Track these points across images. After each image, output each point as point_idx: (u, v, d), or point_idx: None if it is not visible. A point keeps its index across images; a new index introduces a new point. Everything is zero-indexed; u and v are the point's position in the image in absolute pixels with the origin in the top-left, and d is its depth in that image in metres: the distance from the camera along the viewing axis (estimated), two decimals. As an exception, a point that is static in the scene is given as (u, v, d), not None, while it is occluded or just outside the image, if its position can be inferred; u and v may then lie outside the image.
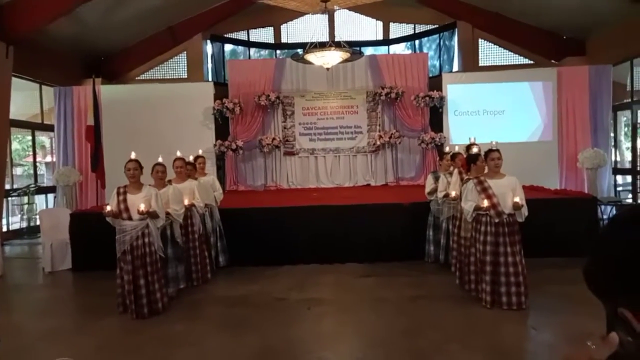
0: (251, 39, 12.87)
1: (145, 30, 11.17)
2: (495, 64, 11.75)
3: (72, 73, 10.89)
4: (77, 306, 5.38)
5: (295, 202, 7.43)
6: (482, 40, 11.80)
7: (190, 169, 5.81)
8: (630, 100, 9.82)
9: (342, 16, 12.41)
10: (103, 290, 5.26)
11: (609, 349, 0.69)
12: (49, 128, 10.74)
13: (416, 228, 6.38)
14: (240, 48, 13.06)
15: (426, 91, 10.73)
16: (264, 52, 13.11)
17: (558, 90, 10.33)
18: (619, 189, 10.42)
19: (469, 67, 11.51)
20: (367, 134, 11.12)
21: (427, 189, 6.18)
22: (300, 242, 6.54)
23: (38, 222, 7.98)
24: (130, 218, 4.47)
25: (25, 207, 9.91)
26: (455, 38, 11.98)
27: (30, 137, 10.66)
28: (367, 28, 12.83)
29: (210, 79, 12.04)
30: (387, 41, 12.79)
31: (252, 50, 13.00)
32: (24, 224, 9.92)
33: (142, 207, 4.38)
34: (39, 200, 10.38)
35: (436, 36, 12.59)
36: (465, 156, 5.33)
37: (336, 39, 9.12)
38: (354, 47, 9.57)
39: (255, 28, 12.73)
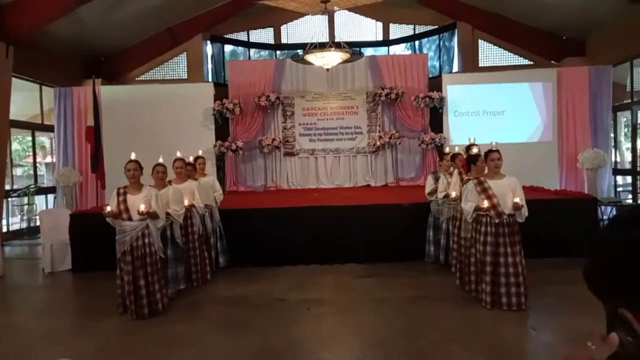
0: (251, 40, 12.87)
1: (145, 31, 11.18)
2: (495, 64, 11.75)
3: (72, 73, 10.89)
4: (77, 307, 5.38)
5: (295, 203, 7.43)
6: (482, 40, 11.80)
7: (190, 170, 5.81)
8: (630, 100, 9.82)
9: (342, 17, 12.41)
10: (103, 291, 5.26)
11: (609, 349, 0.69)
12: (49, 129, 10.74)
13: (416, 229, 6.38)
14: (240, 49, 13.07)
15: (426, 92, 10.73)
16: (264, 53, 13.12)
17: (558, 91, 10.33)
18: (619, 189, 10.42)
19: (469, 68, 11.51)
20: (367, 134, 11.12)
21: (427, 190, 6.18)
22: (300, 243, 6.53)
23: (38, 223, 7.97)
24: (130, 218, 4.47)
25: (25, 207, 9.91)
26: (455, 39, 11.98)
27: (30, 138, 10.67)
28: (367, 29, 12.83)
29: (210, 79, 12.04)
30: (387, 42, 12.80)
31: (252, 50, 13.01)
32: (24, 225, 9.92)
33: (142, 207, 4.38)
34: (39, 200, 10.38)
35: (436, 37, 12.60)
36: (465, 157, 5.33)
37: (336, 40, 9.13)
38: (354, 48, 9.57)
39: (255, 29, 12.74)
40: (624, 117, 10.70)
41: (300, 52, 9.22)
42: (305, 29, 12.25)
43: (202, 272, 5.64)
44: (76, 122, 10.46)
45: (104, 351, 3.84)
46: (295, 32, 12.69)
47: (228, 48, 12.93)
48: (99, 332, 4.23)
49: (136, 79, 11.99)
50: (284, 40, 12.79)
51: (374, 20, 12.70)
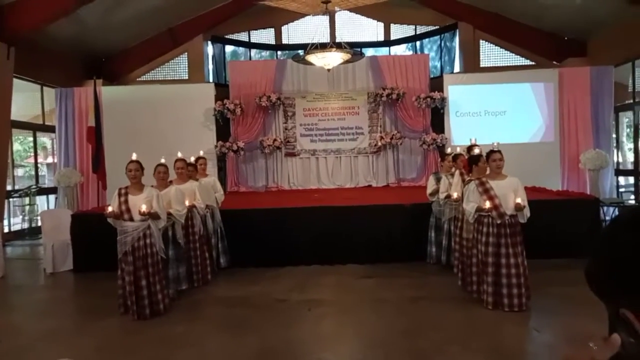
0: (252, 40, 12.88)
1: (145, 32, 11.20)
2: (496, 65, 11.75)
3: (73, 74, 10.92)
4: (78, 307, 5.38)
5: (296, 203, 7.43)
6: (483, 41, 11.80)
7: (191, 170, 5.81)
8: (632, 101, 9.81)
9: (343, 17, 12.42)
10: (104, 291, 5.26)
11: (610, 350, 0.69)
12: (50, 129, 10.76)
13: (417, 229, 6.37)
14: (241, 49, 13.08)
15: (427, 92, 10.73)
16: (265, 53, 13.13)
17: (559, 91, 10.32)
18: (621, 190, 10.40)
19: (470, 68, 11.51)
20: (368, 135, 11.12)
21: (429, 190, 6.17)
22: (301, 243, 6.53)
23: (39, 223, 7.99)
24: (131, 219, 4.47)
25: (27, 208, 9.93)
26: (457, 39, 11.98)
27: (31, 138, 10.69)
28: (368, 29, 12.83)
29: (211, 80, 12.06)
30: (388, 42, 12.79)
31: (253, 51, 13.02)
32: (26, 225, 9.93)
33: (144, 208, 4.38)
34: (40, 201, 10.40)
35: (437, 37, 12.59)
36: (466, 157, 5.32)
37: (337, 40, 9.13)
38: (355, 48, 9.57)
39: (256, 29, 12.75)
40: (625, 118, 10.68)
41: (301, 52, 9.23)
42: (306, 29, 12.26)
43: (203, 273, 5.64)
44: (77, 123, 10.48)
45: (104, 351, 3.84)
46: (296, 32, 12.70)
47: (229, 48, 12.94)
48: (99, 332, 4.23)
49: (137, 79, 12.01)
50: (285, 41, 12.80)
51: (375, 21, 12.70)
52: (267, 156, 11.03)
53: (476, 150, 5.07)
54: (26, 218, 9.96)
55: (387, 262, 6.30)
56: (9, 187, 9.26)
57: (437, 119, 10.78)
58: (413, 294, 5.10)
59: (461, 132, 10.19)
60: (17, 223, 10.02)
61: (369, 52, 12.19)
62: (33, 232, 9.60)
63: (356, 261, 6.38)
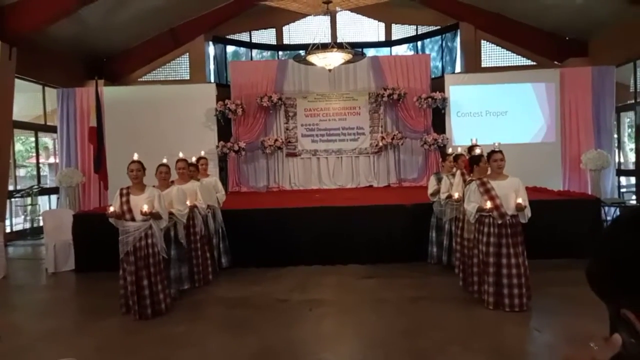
0: (253, 41, 12.89)
1: (147, 32, 11.21)
2: (497, 65, 11.74)
3: (74, 74, 10.93)
4: (80, 307, 5.39)
5: (297, 204, 7.43)
6: (485, 41, 11.79)
7: (192, 170, 5.82)
8: (633, 101, 9.79)
9: (344, 17, 12.43)
10: (106, 291, 5.26)
11: (611, 350, 0.69)
12: (52, 129, 10.78)
13: (418, 229, 6.37)
14: (242, 49, 13.09)
15: (428, 92, 10.72)
16: (266, 54, 13.13)
17: (561, 92, 10.31)
18: (623, 190, 10.38)
19: (472, 68, 11.50)
20: (369, 135, 11.12)
21: (430, 191, 6.17)
22: (302, 244, 6.53)
23: (41, 223, 8.01)
24: (133, 219, 4.48)
25: (29, 208, 9.95)
26: (458, 39, 11.97)
27: (33, 139, 10.72)
28: (369, 29, 12.84)
29: (212, 80, 12.07)
30: (389, 42, 12.79)
31: (254, 51, 13.03)
32: (27, 225, 9.95)
33: (145, 208, 4.39)
34: (42, 201, 10.42)
35: (438, 37, 12.59)
36: (467, 157, 5.32)
37: (338, 41, 9.13)
38: (356, 49, 9.57)
39: (257, 29, 12.76)
40: (627, 118, 10.66)
41: (302, 52, 9.23)
42: (308, 29, 12.27)
43: (204, 273, 5.65)
44: (79, 123, 10.50)
45: (104, 351, 3.85)
46: (297, 32, 12.71)
47: (230, 49, 12.96)
48: (100, 332, 4.24)
49: (138, 79, 12.02)
50: (286, 41, 12.81)
51: (376, 21, 12.70)
52: (268, 156, 11.04)
53: (477, 151, 5.07)
54: (28, 218, 9.98)
55: (388, 262, 6.30)
56: (11, 187, 9.28)
57: (438, 119, 10.78)
58: (414, 294, 5.10)
59: (462, 133, 10.18)
60: (19, 223, 10.03)
61: (370, 52, 12.19)
62: (35, 232, 9.62)
63: (357, 261, 6.38)
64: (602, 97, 10.08)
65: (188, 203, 5.29)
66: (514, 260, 4.40)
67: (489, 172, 4.68)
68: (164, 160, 5.16)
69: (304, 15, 11.05)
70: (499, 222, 4.43)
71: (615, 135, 10.41)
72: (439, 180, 6.01)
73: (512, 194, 4.45)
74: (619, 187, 10.35)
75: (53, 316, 4.84)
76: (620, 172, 10.42)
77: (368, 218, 6.64)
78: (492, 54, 11.88)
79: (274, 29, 12.75)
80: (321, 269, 6.26)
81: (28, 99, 10.37)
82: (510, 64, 11.67)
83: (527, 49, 11.52)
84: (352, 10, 11.23)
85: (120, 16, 9.98)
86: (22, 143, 11.82)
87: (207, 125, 10.71)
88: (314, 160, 11.24)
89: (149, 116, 10.30)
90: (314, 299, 5.03)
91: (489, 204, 4.42)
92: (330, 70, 8.96)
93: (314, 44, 8.43)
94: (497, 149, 4.61)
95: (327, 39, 9.44)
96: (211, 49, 12.39)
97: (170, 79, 12.10)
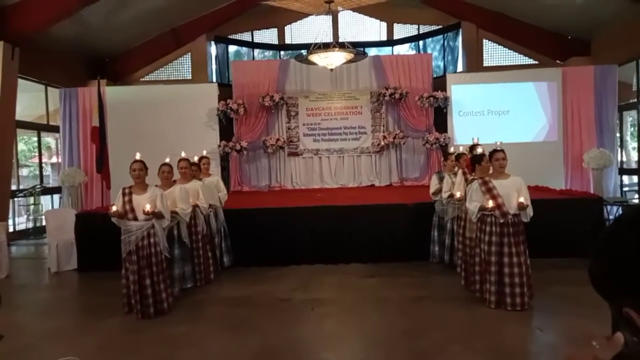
0: (255, 40, 12.89)
1: (148, 32, 11.23)
2: (499, 64, 11.72)
3: (77, 74, 10.96)
4: (82, 306, 5.40)
5: (299, 203, 7.43)
6: (487, 40, 11.77)
7: (194, 170, 5.83)
8: (636, 100, 9.77)
9: (346, 17, 12.41)
10: (108, 291, 5.28)
11: (614, 349, 0.69)
12: (54, 129, 10.81)
13: (420, 228, 6.36)
14: (244, 49, 13.10)
15: (430, 92, 10.71)
16: (268, 53, 13.13)
17: (563, 91, 10.29)
18: (625, 189, 10.36)
19: (473, 68, 11.48)
20: (371, 134, 11.11)
21: (432, 190, 6.16)
22: (304, 243, 6.54)
23: (44, 223, 8.03)
24: (135, 218, 4.49)
25: (31, 207, 9.97)
26: (460, 38, 11.95)
27: (36, 138, 10.75)
28: (371, 29, 12.83)
29: (214, 80, 12.08)
30: (391, 42, 12.78)
31: (256, 51, 13.03)
32: (30, 225, 9.99)
33: (148, 207, 4.40)
34: (45, 200, 10.44)
35: (440, 37, 12.57)
36: (469, 156, 5.32)
37: (340, 40, 9.14)
38: (358, 48, 9.57)
39: (259, 29, 12.76)
40: (629, 117, 10.64)
41: (304, 52, 9.23)
42: (309, 29, 12.26)
43: (206, 272, 5.66)
44: (81, 123, 10.53)
45: (106, 350, 3.85)
46: (299, 32, 12.71)
47: (232, 48, 12.96)
48: (102, 332, 4.25)
49: (140, 79, 12.04)
50: (287, 41, 12.81)
51: (378, 20, 12.69)
52: (270, 156, 11.04)
53: (479, 150, 5.06)
54: (31, 217, 10.01)
55: (390, 262, 6.30)
56: (13, 187, 9.30)
57: (440, 119, 10.77)
58: (416, 293, 5.09)
59: (464, 132, 10.16)
60: (21, 222, 10.07)
61: (371, 51, 12.19)
62: (37, 232, 9.65)
63: (359, 260, 6.38)
64: (604, 96, 10.05)
65: (191, 202, 5.30)
66: (515, 260, 4.39)
67: (490, 171, 4.68)
68: (167, 160, 5.17)
69: (306, 15, 11.04)
70: (501, 221, 4.43)
71: (618, 134, 10.38)
72: (441, 179, 6.01)
73: (514, 193, 4.45)
74: (622, 186, 10.33)
75: (55, 315, 4.85)
76: (623, 171, 10.39)
77: (370, 217, 6.64)
78: (494, 53, 11.85)
79: (276, 29, 12.75)
80: (323, 268, 6.26)
81: (31, 99, 10.40)
82: (512, 63, 11.65)
83: (529, 48, 11.50)
84: (354, 9, 11.21)
85: (122, 16, 9.99)
86: (24, 143, 11.85)
87: (209, 125, 10.72)
88: (315, 160, 11.24)
89: (151, 116, 10.32)
90: (315, 298, 5.04)
91: (490, 203, 4.42)
92: (332, 69, 8.95)
93: (315, 44, 8.43)
94: (499, 148, 4.60)
95: (329, 38, 9.44)
96: (213, 49, 12.40)
97: (173, 78, 12.11)
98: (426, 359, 3.54)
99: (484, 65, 11.72)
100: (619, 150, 10.43)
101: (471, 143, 5.74)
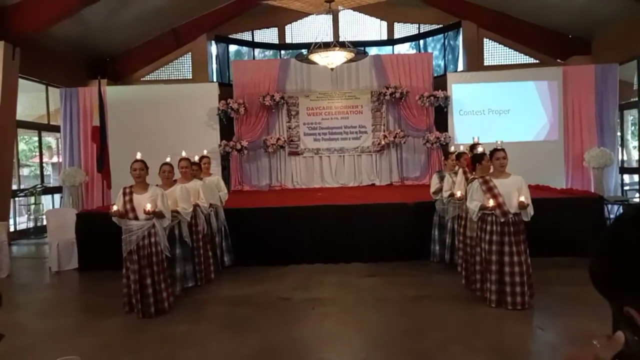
0: (255, 40, 12.89)
1: (149, 32, 11.23)
2: (500, 63, 11.71)
3: (77, 74, 10.96)
4: (82, 306, 5.41)
5: (299, 202, 7.43)
6: (487, 39, 11.76)
7: (195, 169, 5.84)
8: (637, 99, 9.76)
9: (347, 16, 12.40)
10: (109, 290, 5.28)
11: (614, 348, 0.69)
12: (55, 129, 10.82)
13: (421, 228, 6.36)
14: (244, 49, 13.09)
15: (431, 91, 10.70)
16: (269, 53, 13.13)
17: (564, 90, 10.28)
18: (626, 188, 10.35)
19: (474, 67, 11.47)
20: (371, 133, 11.11)
21: (432, 189, 6.16)
22: (304, 242, 6.54)
23: (45, 222, 8.03)
24: (136, 218, 4.49)
25: (32, 207, 9.98)
26: (460, 37, 11.94)
27: (36, 138, 10.75)
28: (371, 28, 12.81)
29: (214, 79, 12.08)
30: (391, 41, 12.77)
31: (257, 50, 13.02)
32: (31, 224, 10.00)
33: (149, 207, 4.40)
34: (46, 200, 10.45)
35: (441, 36, 12.56)
36: (470, 156, 5.31)
37: (340, 39, 9.14)
38: (358, 47, 9.57)
39: (259, 29, 12.75)
40: (630, 116, 10.63)
41: (304, 51, 9.23)
42: (310, 28, 12.25)
43: (206, 272, 5.66)
44: (82, 122, 10.53)
45: (106, 350, 3.85)
46: (299, 31, 12.70)
47: (232, 48, 12.96)
48: (103, 331, 4.25)
49: (141, 79, 12.04)
50: (288, 40, 12.80)
51: (379, 20, 12.68)
52: (270, 155, 11.04)
53: (479, 149, 5.06)
54: (31, 217, 10.02)
55: (390, 261, 6.30)
56: (14, 187, 9.30)
57: (441, 118, 10.76)
58: (416, 292, 5.09)
59: (465, 131, 10.15)
60: (22, 222, 10.08)
61: (372, 51, 12.18)
62: (38, 231, 9.66)
63: (359, 260, 6.39)
64: (605, 95, 10.04)
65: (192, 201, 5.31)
66: (516, 259, 4.39)
67: (491, 170, 4.68)
68: (167, 159, 5.17)
69: (307, 14, 11.03)
70: (502, 220, 4.42)
71: (619, 133, 10.37)
72: (442, 178, 6.01)
73: (514, 192, 4.45)
74: (622, 185, 10.31)
75: (56, 315, 4.86)
76: (624, 170, 10.38)
77: (370, 216, 6.64)
78: (495, 52, 11.84)
79: (277, 28, 12.74)
80: (323, 267, 6.27)
81: (31, 99, 10.40)
82: (512, 62, 11.63)
83: (529, 47, 11.48)
84: (354, 9, 11.21)
85: (123, 16, 9.99)
86: (25, 142, 11.86)
87: (210, 125, 10.72)
88: (316, 159, 11.24)
89: (151, 115, 10.32)
90: (316, 297, 5.04)
91: (491, 202, 4.41)
92: (332, 69, 8.95)
93: (316, 43, 8.42)
94: (499, 147, 4.60)
95: (329, 37, 9.43)
96: (213, 49, 12.40)
97: (173, 78, 12.11)
98: (427, 358, 3.53)
99: (485, 64, 11.71)
100: (620, 149, 10.42)
101: (472, 142, 5.74)
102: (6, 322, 4.50)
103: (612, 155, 9.50)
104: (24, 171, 11.22)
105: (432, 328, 4.07)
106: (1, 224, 6.76)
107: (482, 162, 4.82)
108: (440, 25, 12.37)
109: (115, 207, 4.53)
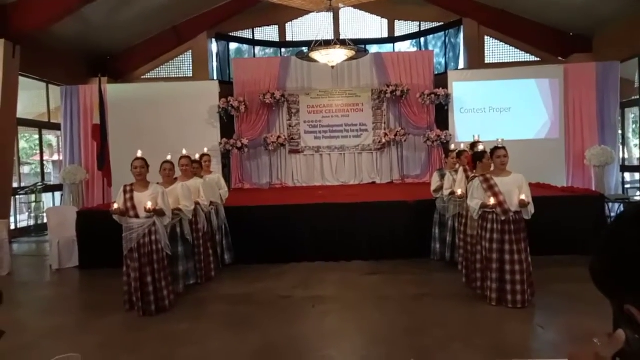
0: (256, 38, 12.87)
1: (150, 30, 11.22)
2: (501, 61, 11.69)
3: (78, 72, 10.96)
4: (83, 303, 5.41)
5: (300, 200, 7.43)
6: (488, 37, 11.74)
7: (196, 167, 5.84)
8: (638, 97, 9.74)
9: (347, 14, 12.38)
10: (109, 288, 5.29)
11: (615, 346, 0.69)
12: (55, 127, 10.82)
13: (422, 226, 6.36)
14: (245, 46, 13.08)
15: (432, 89, 10.70)
16: (269, 51, 13.11)
17: (565, 87, 10.27)
18: (627, 186, 10.34)
19: (475, 65, 11.46)
20: (372, 131, 11.11)
21: (433, 187, 6.16)
22: (305, 240, 6.54)
23: (45, 220, 8.05)
24: (137, 216, 4.49)
25: (33, 205, 9.99)
26: (461, 35, 11.92)
27: (37, 136, 10.75)
28: (372, 26, 12.79)
29: (215, 77, 12.07)
30: (392, 39, 12.75)
31: (257, 48, 13.01)
32: (32, 222, 10.01)
33: (149, 204, 4.40)
34: (46, 198, 10.46)
35: (442, 33, 12.54)
36: (470, 154, 5.31)
37: (341, 37, 9.12)
38: (359, 45, 9.57)
39: (260, 26, 12.74)
40: (631, 114, 10.62)
41: (305, 49, 9.22)
42: (310, 26, 12.23)
43: (207, 270, 5.66)
44: (82, 120, 10.54)
45: (107, 348, 3.86)
46: (300, 29, 12.68)
47: (233, 46, 12.95)
48: (103, 329, 4.25)
49: (142, 77, 12.04)
50: (289, 38, 12.78)
51: (379, 17, 12.66)
52: (271, 153, 11.04)
53: (480, 147, 5.06)
54: (32, 215, 10.03)
55: (391, 259, 6.30)
56: (15, 185, 9.32)
57: (442, 116, 10.76)
58: (417, 290, 5.10)
59: (465, 129, 10.14)
60: (23, 220, 10.09)
61: (373, 48, 12.17)
62: (39, 229, 9.67)
63: (360, 258, 6.39)
64: (606, 93, 10.02)
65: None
66: (517, 257, 4.39)
67: (492, 168, 4.67)
68: (168, 157, 5.17)
69: (307, 12, 11.01)
70: (502, 218, 4.42)
71: (620, 131, 10.36)
72: (442, 176, 6.00)
73: (515, 190, 4.44)
74: (623, 183, 10.30)
75: (57, 313, 4.86)
76: (625, 168, 10.37)
77: (371, 215, 6.64)
78: (496, 50, 11.82)
79: (277, 26, 12.72)
80: (324, 265, 6.27)
81: (32, 97, 10.40)
82: (513, 60, 11.62)
83: (530, 45, 11.46)
84: (355, 6, 11.19)
85: (123, 14, 9.99)
86: (26, 140, 11.87)
87: (210, 123, 10.73)
88: (316, 157, 11.24)
89: (152, 113, 10.33)
90: (316, 295, 5.04)
91: (492, 201, 4.41)
92: (333, 67, 8.94)
93: (316, 41, 8.41)
94: (500, 145, 4.59)
95: (329, 35, 9.41)
96: (214, 46, 12.39)
97: (174, 76, 12.11)
98: (427, 356, 3.54)
99: (486, 62, 11.69)
100: (621, 147, 10.41)
101: (472, 140, 5.74)
102: (7, 320, 4.51)
103: (613, 153, 9.49)
104: (25, 169, 11.23)
105: (432, 326, 4.07)
106: (2, 221, 6.77)
107: (482, 160, 4.82)
108: (441, 23, 12.34)
109: (115, 205, 4.54)
